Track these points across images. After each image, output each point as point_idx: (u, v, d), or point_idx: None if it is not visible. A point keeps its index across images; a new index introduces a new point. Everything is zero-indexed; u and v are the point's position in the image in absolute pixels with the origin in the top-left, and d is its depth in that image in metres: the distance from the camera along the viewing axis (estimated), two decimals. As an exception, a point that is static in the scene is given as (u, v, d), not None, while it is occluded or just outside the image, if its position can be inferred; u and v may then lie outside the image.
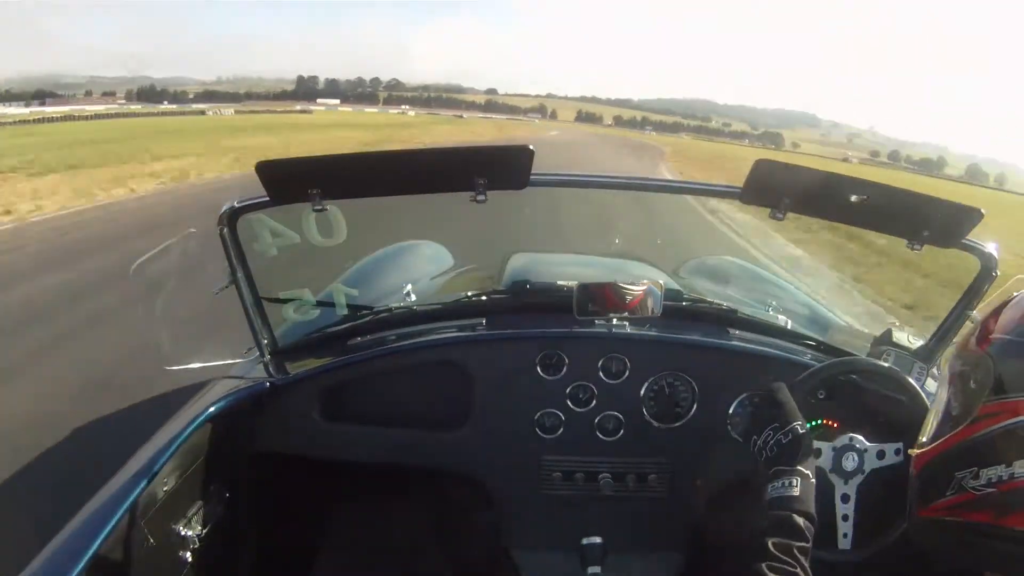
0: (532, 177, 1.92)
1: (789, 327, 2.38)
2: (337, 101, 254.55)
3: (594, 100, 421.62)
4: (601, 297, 2.09)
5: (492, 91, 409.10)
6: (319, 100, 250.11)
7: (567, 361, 2.15)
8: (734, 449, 2.03)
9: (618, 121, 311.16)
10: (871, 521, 1.70)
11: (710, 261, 4.42)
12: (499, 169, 1.90)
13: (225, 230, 1.96)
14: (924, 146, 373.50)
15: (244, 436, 2.09)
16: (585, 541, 1.96)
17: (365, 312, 2.39)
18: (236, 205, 1.95)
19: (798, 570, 1.22)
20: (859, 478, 1.71)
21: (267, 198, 1.90)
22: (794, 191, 1.86)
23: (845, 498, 1.71)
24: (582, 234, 9.51)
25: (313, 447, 2.22)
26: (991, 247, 1.90)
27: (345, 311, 2.36)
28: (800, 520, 1.30)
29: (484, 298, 2.47)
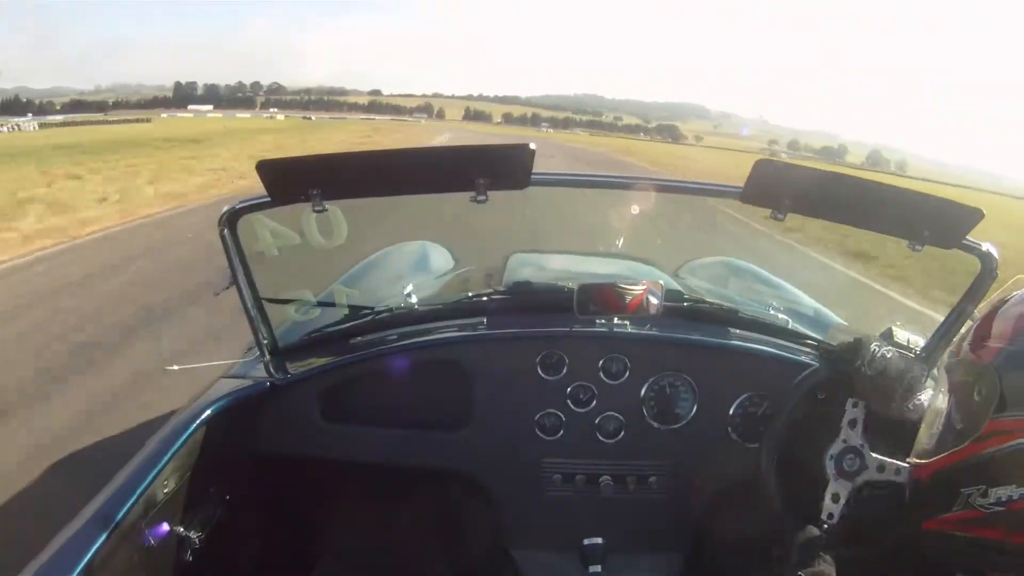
0: (533, 177, 1.92)
1: (790, 327, 2.37)
2: (210, 107, 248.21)
3: (481, 98, 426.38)
4: (601, 297, 2.09)
5: (376, 92, 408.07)
6: (190, 107, 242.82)
7: (567, 361, 2.16)
8: (734, 450, 2.10)
9: (508, 118, 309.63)
10: (854, 529, 1.70)
11: (710, 261, 4.32)
12: (500, 169, 1.90)
13: (225, 231, 1.96)
14: (816, 134, 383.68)
15: (244, 436, 2.11)
16: (586, 541, 2.00)
17: (365, 312, 2.39)
18: (237, 206, 1.95)
19: None
20: (856, 482, 1.71)
21: (267, 198, 1.90)
22: (794, 191, 1.85)
23: (835, 497, 1.71)
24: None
25: (313, 447, 2.22)
26: (991, 247, 1.89)
27: (346, 311, 2.37)
28: None
29: (484, 298, 2.47)
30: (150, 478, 1.60)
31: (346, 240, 1.98)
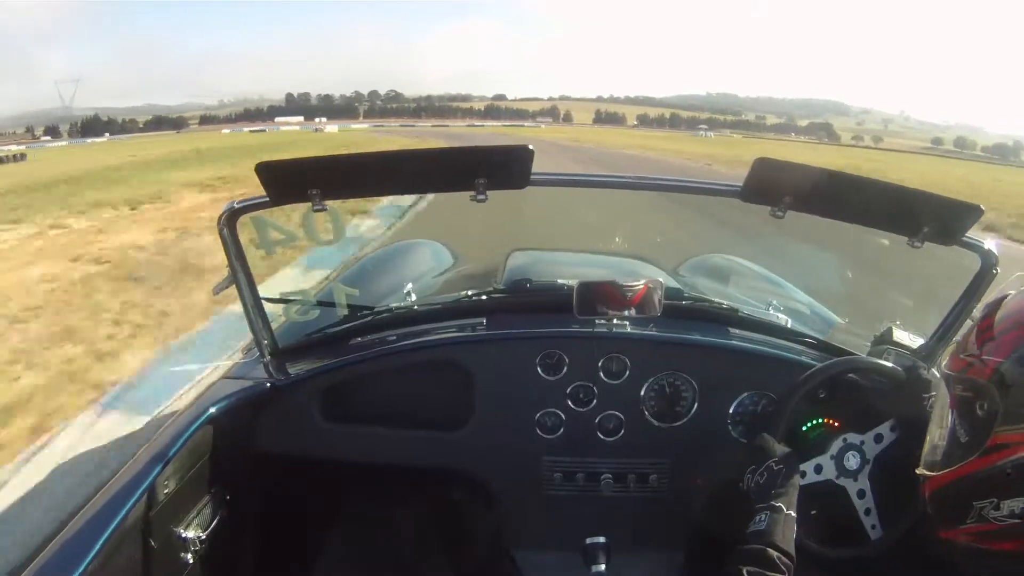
0: (532, 176, 1.92)
1: (790, 326, 2.38)
2: (301, 118, 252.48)
3: (612, 100, 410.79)
4: (601, 296, 2.09)
5: (500, 96, 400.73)
6: (277, 119, 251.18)
7: (567, 361, 2.16)
8: (735, 448, 2.07)
9: (643, 120, 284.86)
10: (893, 502, 1.73)
11: (710, 259, 4.27)
12: (499, 168, 1.90)
13: (225, 230, 1.96)
14: (957, 127, 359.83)
15: (245, 437, 2.10)
16: (589, 540, 1.98)
17: (365, 312, 2.40)
18: (236, 205, 1.95)
19: None
20: (867, 469, 1.75)
21: (267, 198, 1.90)
22: (794, 190, 1.87)
23: (861, 494, 1.74)
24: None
25: (313, 447, 2.23)
26: (991, 244, 1.90)
27: (345, 311, 2.36)
28: (771, 553, 1.35)
29: (484, 297, 2.47)
30: (151, 478, 1.61)
31: (346, 239, 1.97)
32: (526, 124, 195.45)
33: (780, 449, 1.63)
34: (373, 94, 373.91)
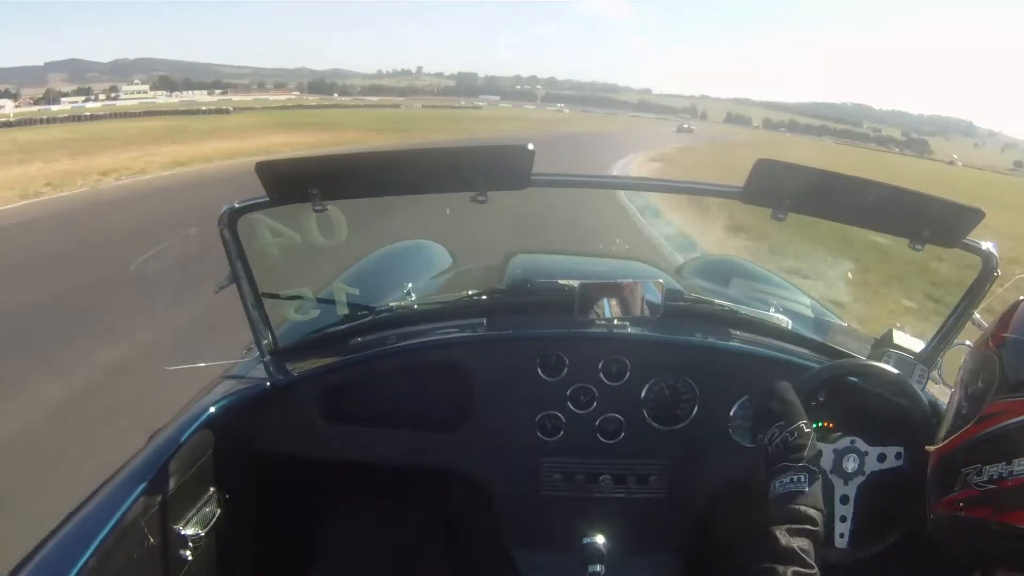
0: (533, 177, 1.93)
1: (790, 328, 2.39)
2: (498, 98, 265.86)
3: (747, 102, 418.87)
4: (602, 297, 2.10)
5: (646, 91, 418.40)
6: (481, 96, 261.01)
7: (567, 362, 2.15)
8: (735, 451, 2.10)
9: (766, 124, 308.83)
10: (869, 523, 1.73)
11: (711, 261, 4.72)
12: (499, 169, 1.92)
13: (225, 230, 1.96)
14: None
15: (244, 437, 2.09)
16: (586, 541, 2.00)
17: (365, 312, 2.40)
18: (236, 205, 1.95)
19: (810, 560, 1.24)
20: (859, 480, 1.74)
21: (267, 198, 1.91)
22: (795, 191, 1.87)
23: (844, 499, 1.74)
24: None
25: (313, 448, 2.22)
26: (991, 246, 1.89)
27: (346, 311, 2.36)
28: (812, 512, 1.32)
29: (485, 298, 2.47)
30: (150, 478, 1.61)
31: (346, 239, 2.02)
32: (670, 119, 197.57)
33: (804, 414, 1.55)
34: (532, 79, 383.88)
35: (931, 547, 1.27)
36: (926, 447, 1.28)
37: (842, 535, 1.72)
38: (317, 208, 1.89)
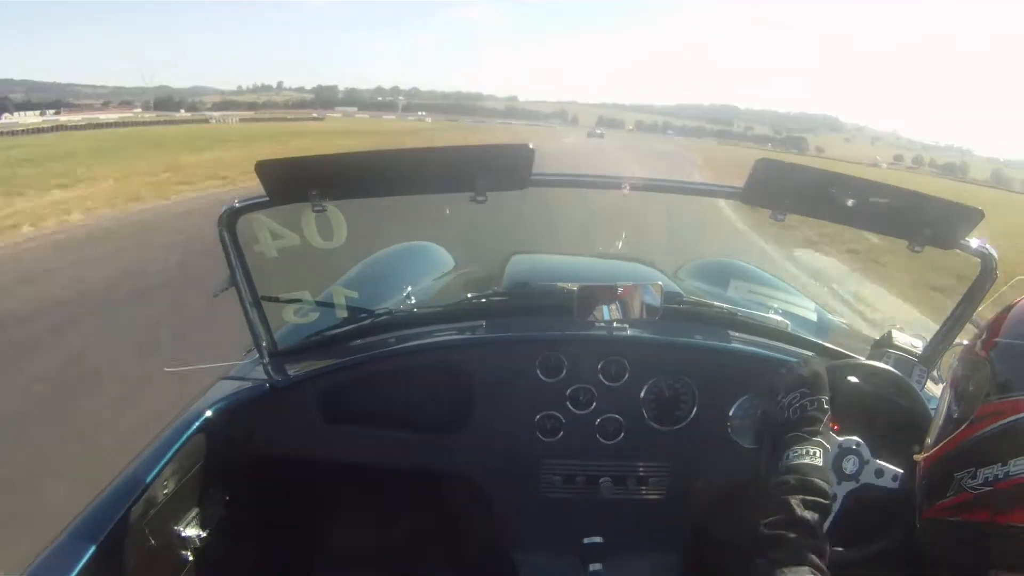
0: (532, 177, 1.92)
1: (789, 329, 2.37)
2: (355, 109, 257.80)
3: (616, 106, 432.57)
4: (602, 299, 2.10)
5: (513, 98, 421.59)
6: (337, 108, 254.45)
7: (567, 363, 2.15)
8: (734, 451, 2.08)
9: (639, 126, 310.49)
10: (850, 533, 1.66)
11: (710, 262, 4.32)
12: (499, 169, 1.90)
13: (224, 231, 1.95)
14: (948, 149, 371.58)
15: (244, 438, 2.09)
16: (586, 540, 2.00)
17: (365, 315, 2.38)
18: (236, 206, 1.94)
19: (822, 534, 1.26)
20: (851, 485, 1.67)
21: (266, 198, 1.90)
22: (795, 191, 1.86)
23: (833, 498, 1.63)
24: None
25: (313, 449, 2.22)
26: (991, 248, 1.88)
27: (345, 313, 2.36)
28: (824, 484, 1.32)
29: (484, 300, 2.47)
30: (150, 479, 1.61)
31: (346, 240, 2.01)
32: (541, 124, 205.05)
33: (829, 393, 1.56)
34: (395, 89, 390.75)
35: (923, 551, 1.28)
36: (914, 456, 1.29)
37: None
38: (316, 208, 1.89)
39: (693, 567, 2.27)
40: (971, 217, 1.77)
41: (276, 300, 2.24)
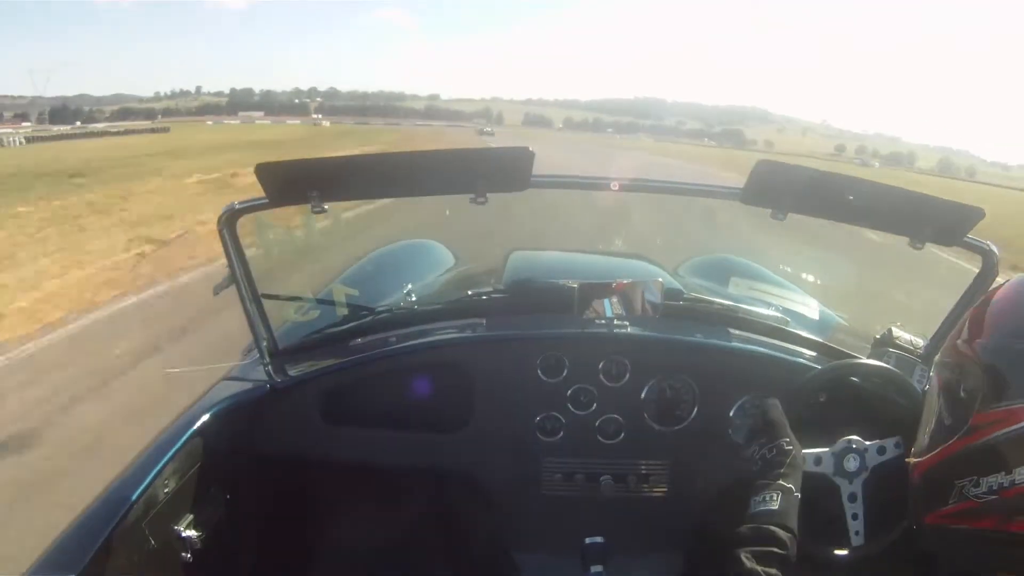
0: (532, 179, 1.92)
1: (790, 327, 2.38)
2: (261, 113, 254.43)
3: (540, 102, 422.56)
4: (602, 297, 2.10)
5: (434, 97, 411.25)
6: (240, 112, 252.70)
7: (567, 363, 2.15)
8: (735, 450, 2.07)
9: (568, 124, 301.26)
10: (880, 515, 1.71)
11: (710, 259, 4.31)
12: (499, 171, 1.90)
13: (225, 231, 1.96)
14: (876, 137, 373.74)
15: (244, 438, 2.10)
16: (588, 540, 1.98)
17: (365, 313, 2.40)
18: (236, 206, 1.94)
19: None
20: (864, 476, 1.73)
21: (266, 199, 1.89)
22: (795, 192, 1.87)
23: (852, 497, 1.72)
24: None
25: (313, 449, 2.23)
26: (992, 245, 1.89)
27: (345, 312, 2.38)
28: (780, 532, 1.31)
29: (484, 297, 2.49)
30: (150, 479, 1.61)
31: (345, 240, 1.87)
32: (464, 125, 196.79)
33: (790, 431, 1.59)
34: (312, 91, 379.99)
35: (924, 554, 1.30)
36: (907, 459, 1.31)
37: (857, 532, 1.73)
38: (316, 209, 1.89)
39: (692, 566, 2.27)
40: (971, 216, 1.78)
41: (276, 298, 2.24)
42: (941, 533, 1.17)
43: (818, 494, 1.68)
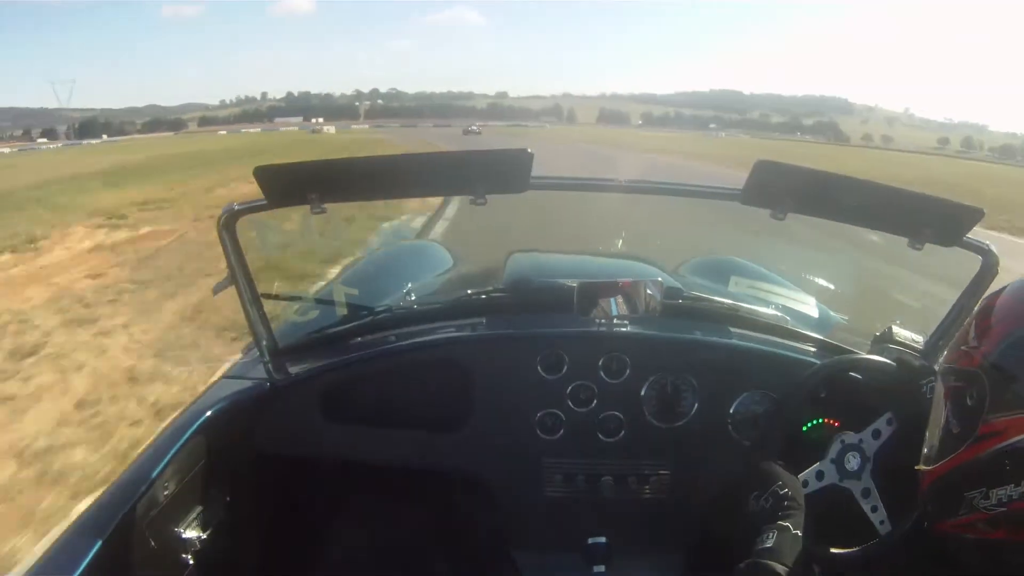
0: (532, 180, 1.93)
1: (790, 325, 2.40)
2: (300, 118, 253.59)
3: (615, 97, 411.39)
4: (602, 295, 2.11)
5: (502, 95, 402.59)
6: (277, 119, 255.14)
7: (567, 361, 2.16)
8: (736, 448, 2.11)
9: (648, 119, 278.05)
10: (898, 497, 1.72)
11: (710, 259, 4.28)
12: (499, 172, 1.92)
13: (224, 231, 1.97)
14: (961, 125, 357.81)
15: (245, 437, 2.11)
16: (590, 541, 2.02)
17: (365, 312, 2.41)
18: (236, 207, 1.96)
19: None
20: (868, 468, 1.75)
21: (265, 201, 1.91)
22: (794, 192, 1.88)
23: (866, 493, 1.74)
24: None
25: (313, 448, 2.24)
26: (992, 245, 1.91)
27: (345, 311, 2.38)
28: (775, 566, 1.36)
29: (484, 296, 2.49)
30: (150, 478, 1.62)
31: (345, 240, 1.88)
32: (530, 124, 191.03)
33: (783, 473, 1.63)
34: (374, 92, 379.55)
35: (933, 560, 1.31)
36: (915, 467, 1.30)
37: (882, 522, 1.74)
38: (315, 211, 1.91)
39: (693, 565, 2.27)
40: (971, 215, 1.79)
41: (276, 298, 2.29)
42: (953, 540, 1.19)
43: (835, 505, 1.72)
